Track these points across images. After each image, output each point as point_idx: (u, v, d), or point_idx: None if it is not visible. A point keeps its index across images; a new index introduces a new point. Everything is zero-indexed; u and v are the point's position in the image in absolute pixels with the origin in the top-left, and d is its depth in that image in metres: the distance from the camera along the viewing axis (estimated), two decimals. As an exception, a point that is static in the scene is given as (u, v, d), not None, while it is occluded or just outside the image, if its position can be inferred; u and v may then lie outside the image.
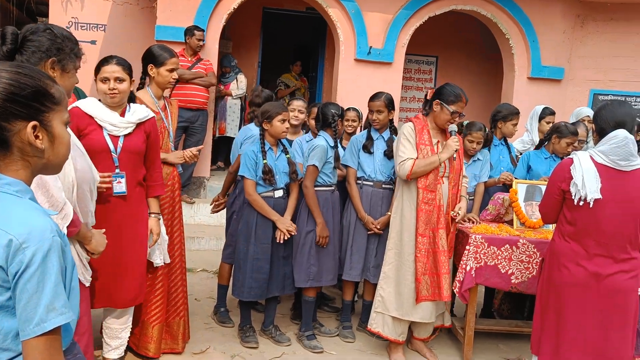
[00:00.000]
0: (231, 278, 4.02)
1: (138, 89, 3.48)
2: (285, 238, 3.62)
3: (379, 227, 3.87)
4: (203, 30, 6.36)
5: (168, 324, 3.47)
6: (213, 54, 6.66)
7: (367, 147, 3.96)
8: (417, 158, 3.51)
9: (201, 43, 6.35)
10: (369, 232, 3.93)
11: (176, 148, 3.72)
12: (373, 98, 4.00)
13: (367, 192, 3.98)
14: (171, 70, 3.37)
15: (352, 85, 7.02)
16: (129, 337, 3.28)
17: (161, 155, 3.37)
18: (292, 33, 10.40)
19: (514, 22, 7.42)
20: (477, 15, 7.46)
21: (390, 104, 4.00)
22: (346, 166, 4.01)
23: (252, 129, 4.11)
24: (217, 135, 7.36)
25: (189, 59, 6.32)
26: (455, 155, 3.54)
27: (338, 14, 6.99)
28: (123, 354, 3.23)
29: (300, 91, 8.72)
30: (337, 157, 3.88)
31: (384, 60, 7.10)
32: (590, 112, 4.98)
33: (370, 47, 7.05)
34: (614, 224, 2.69)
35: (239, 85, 7.35)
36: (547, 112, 4.98)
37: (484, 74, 9.01)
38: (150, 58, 3.36)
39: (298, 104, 4.30)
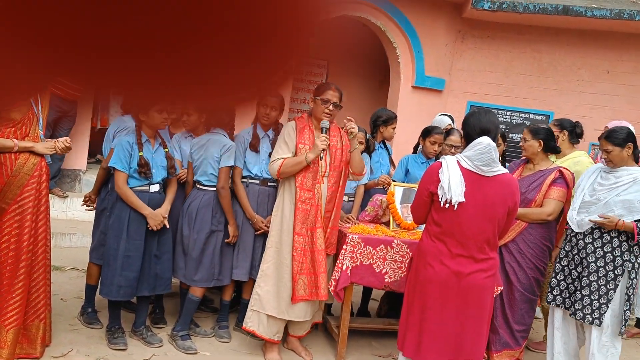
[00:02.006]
0: (100, 275, 3.79)
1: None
2: (157, 229, 3.50)
3: (269, 226, 3.84)
4: None
5: (26, 327, 3.21)
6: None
7: (255, 146, 3.92)
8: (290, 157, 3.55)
9: None
10: (256, 232, 3.89)
11: (45, 137, 3.43)
12: (271, 94, 3.97)
13: (253, 191, 3.94)
14: None
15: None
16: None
17: (29, 144, 3.13)
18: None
19: (401, 32, 7.74)
20: (367, 23, 7.69)
21: (283, 104, 4.01)
22: (233, 167, 3.94)
23: (127, 120, 3.88)
24: (98, 126, 6.95)
25: None
26: (323, 155, 3.51)
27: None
28: None
29: None
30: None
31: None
32: (449, 121, 5.28)
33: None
34: (474, 226, 2.87)
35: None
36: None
37: (372, 80, 9.32)
38: None
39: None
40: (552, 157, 4.28)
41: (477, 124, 2.92)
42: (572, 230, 3.70)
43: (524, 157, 4.14)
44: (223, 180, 3.71)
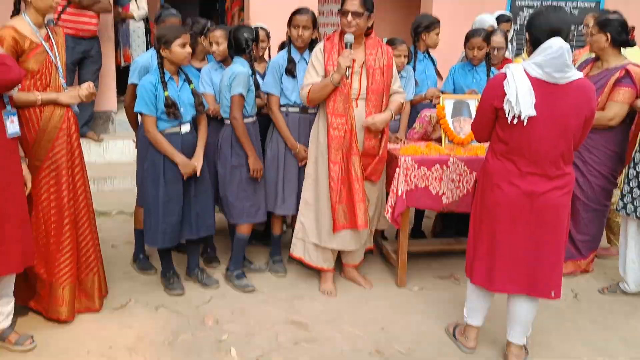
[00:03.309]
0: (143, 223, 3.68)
1: (12, 16, 2.94)
2: (188, 177, 3.34)
3: None
4: None
5: (80, 281, 3.15)
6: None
7: (291, 71, 3.64)
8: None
9: None
10: (300, 163, 3.69)
11: (70, 84, 3.22)
12: (300, 12, 3.63)
13: (293, 120, 3.70)
14: None
15: (265, 1, 6.50)
16: (36, 300, 2.96)
17: (51, 95, 2.93)
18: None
19: None
20: None
21: (315, 21, 3.67)
22: (268, 93, 3.68)
23: (140, 60, 3.66)
24: (122, 64, 6.70)
25: None
26: (349, 73, 3.18)
27: None
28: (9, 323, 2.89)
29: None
30: (257, 85, 3.54)
31: (298, -28, 6.58)
32: (492, 20, 4.83)
33: (282, -43, 6.49)
34: (548, 141, 2.57)
35: (139, 5, 6.61)
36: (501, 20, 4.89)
37: (402, -16, 8.67)
38: None
39: (218, 34, 3.68)
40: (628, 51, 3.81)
41: (545, 24, 2.54)
42: None
43: (596, 56, 3.71)
44: (233, 109, 3.44)
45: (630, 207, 3.51)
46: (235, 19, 7.82)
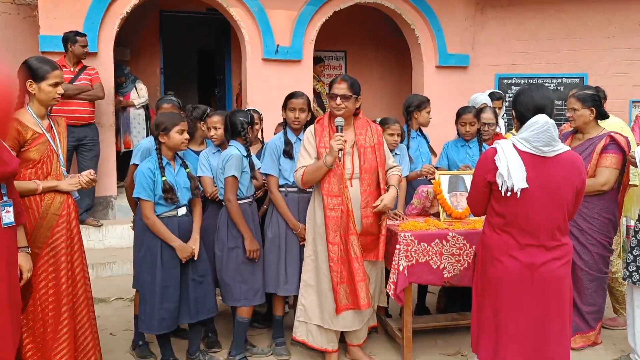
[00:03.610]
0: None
1: (16, 109, 3.04)
2: (185, 261, 3.35)
3: None
4: (85, 35, 5.75)
5: (77, 370, 3.07)
6: (108, 63, 6.16)
7: (289, 153, 3.72)
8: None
9: (86, 50, 5.74)
10: (301, 242, 3.69)
11: (68, 172, 3.29)
12: (295, 95, 3.77)
13: (293, 199, 3.74)
14: (55, 85, 2.97)
15: (262, 85, 6.76)
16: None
17: (52, 183, 2.98)
18: (193, 36, 10.00)
19: (417, 12, 7.44)
20: (381, 8, 7.41)
21: (309, 103, 3.80)
22: (266, 174, 3.75)
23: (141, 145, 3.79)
24: (122, 149, 6.85)
25: (72, 69, 5.70)
26: (341, 155, 3.24)
27: (241, 13, 6.70)
28: None
29: (323, 95, 7.79)
30: (252, 166, 3.61)
31: (293, 58, 6.89)
32: (485, 98, 5.02)
33: (277, 45, 6.82)
34: (542, 212, 2.61)
35: (139, 93, 6.87)
36: (493, 98, 5.11)
37: (393, 66, 9.04)
38: (29, 73, 2.94)
39: (216, 119, 3.81)
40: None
41: (530, 102, 2.65)
42: None
43: (572, 127, 3.85)
44: (227, 191, 3.50)
45: (635, 275, 3.49)
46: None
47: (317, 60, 7.76)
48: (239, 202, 3.54)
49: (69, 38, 5.65)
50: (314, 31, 6.99)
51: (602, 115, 3.75)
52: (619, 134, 3.74)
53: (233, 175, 3.47)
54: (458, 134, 4.42)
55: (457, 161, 4.32)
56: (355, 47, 8.92)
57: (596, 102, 3.73)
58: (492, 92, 5.50)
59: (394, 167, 3.61)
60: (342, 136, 3.27)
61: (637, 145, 4.68)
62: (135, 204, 3.78)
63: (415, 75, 7.79)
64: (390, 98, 8.87)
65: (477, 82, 7.76)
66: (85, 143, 5.76)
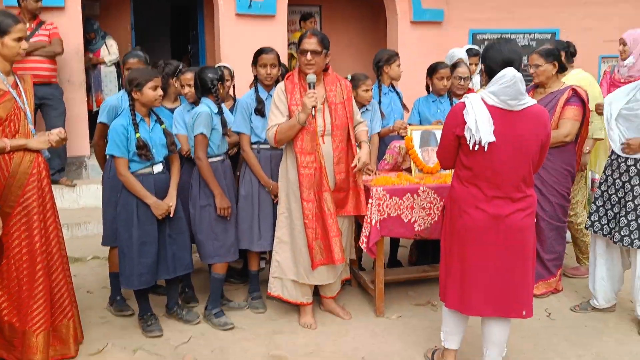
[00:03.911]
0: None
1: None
2: (161, 218, 3.37)
3: None
4: None
5: (55, 327, 3.10)
6: (76, 17, 6.00)
7: (261, 111, 3.71)
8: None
9: (40, 4, 5.48)
10: (274, 199, 3.73)
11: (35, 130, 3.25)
12: (264, 51, 3.73)
13: (265, 157, 3.76)
14: (18, 40, 2.90)
15: (235, 41, 6.66)
16: (8, 349, 2.91)
17: (21, 141, 2.95)
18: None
19: (392, -35, 7.33)
20: (355, -40, 7.29)
21: (279, 58, 3.78)
22: (238, 133, 3.75)
23: (110, 100, 3.79)
24: (94, 108, 6.73)
25: (27, 24, 5.38)
26: (314, 112, 3.25)
27: (212, -34, 6.53)
28: None
29: None
30: (223, 124, 3.60)
31: (267, 13, 6.78)
32: (462, 54, 5.05)
33: (251, 0, 6.69)
34: (508, 165, 2.68)
35: (110, 50, 6.71)
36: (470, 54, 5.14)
37: (368, 22, 8.94)
38: None
39: (189, 76, 3.78)
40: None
41: (498, 55, 2.68)
42: (614, 153, 3.53)
43: (535, 83, 3.91)
44: (197, 149, 3.50)
45: (597, 225, 3.64)
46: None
47: (306, 16, 7.60)
48: (210, 159, 3.55)
49: None
50: (287, -15, 6.86)
51: (562, 68, 3.85)
52: (580, 87, 3.84)
53: (202, 133, 3.47)
54: (428, 89, 4.45)
55: (429, 116, 4.37)
56: (330, 2, 8.79)
57: (557, 57, 3.82)
58: (470, 48, 5.51)
59: (360, 122, 3.65)
60: (314, 93, 3.27)
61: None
62: (104, 162, 3.78)
63: (390, 30, 7.73)
64: (366, 54, 8.80)
65: (452, 37, 7.73)
66: (48, 101, 5.56)
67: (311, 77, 3.31)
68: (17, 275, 2.96)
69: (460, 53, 5.14)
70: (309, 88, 3.30)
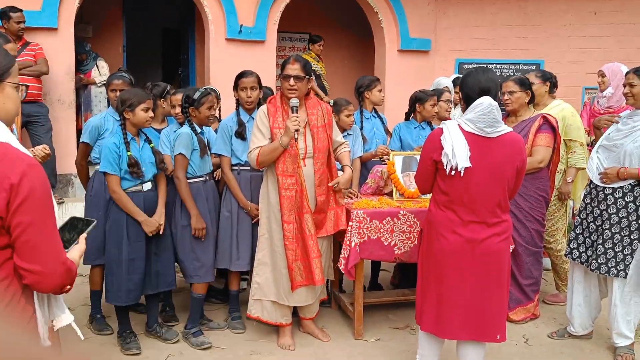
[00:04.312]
0: (104, 282, 3.69)
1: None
2: (152, 235, 3.43)
3: None
4: (21, 11, 5.55)
5: (33, 343, 3.10)
6: (68, 39, 6.09)
7: (242, 134, 3.78)
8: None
9: (22, 26, 5.54)
10: (253, 220, 3.78)
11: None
12: (245, 74, 3.82)
13: (245, 178, 3.82)
14: None
15: (225, 65, 6.76)
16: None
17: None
18: (158, 15, 9.88)
19: (381, -5, 7.52)
20: (345, -10, 7.47)
21: (260, 81, 3.86)
22: (219, 155, 3.81)
23: (93, 120, 3.86)
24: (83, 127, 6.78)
25: None
26: (297, 136, 3.33)
27: (204, -8, 6.67)
28: None
29: (324, 77, 7.62)
30: (202, 145, 3.63)
31: (256, 39, 6.91)
32: (448, 82, 5.19)
33: (241, 25, 6.82)
34: (484, 191, 2.75)
35: (100, 71, 6.81)
36: (456, 83, 5.28)
37: (357, 49, 9.12)
38: None
39: (179, 97, 3.88)
40: (530, 109, 4.28)
41: (475, 84, 2.78)
42: (592, 183, 3.62)
43: (507, 111, 4.03)
44: (176, 169, 3.57)
45: (575, 252, 3.71)
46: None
47: (315, 39, 7.57)
48: (191, 180, 3.61)
49: (3, 14, 5.49)
50: (277, 12, 7.01)
51: (533, 98, 4.00)
52: (550, 115, 3.98)
53: (180, 153, 3.54)
54: (408, 116, 4.53)
55: (411, 142, 4.45)
56: (320, 30, 8.96)
57: (530, 86, 3.97)
58: (457, 77, 5.64)
59: (341, 143, 3.73)
60: (298, 117, 3.35)
61: (585, 129, 4.91)
62: (86, 179, 3.83)
63: (378, 58, 7.90)
64: (354, 80, 8.94)
65: (438, 66, 7.92)
66: (34, 119, 5.60)
67: (294, 102, 3.38)
68: (-3, 290, 2.97)
69: (446, 81, 5.27)
70: (292, 112, 3.37)
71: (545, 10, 7.87)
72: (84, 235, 1.82)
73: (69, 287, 1.66)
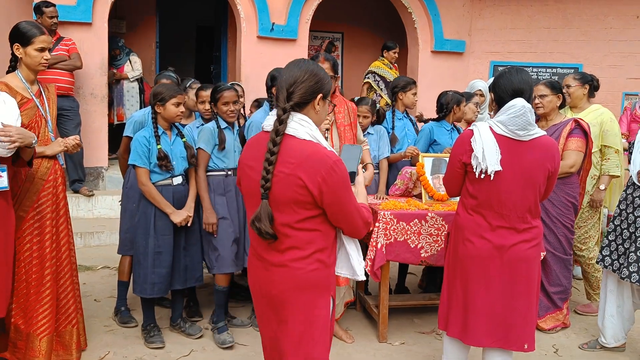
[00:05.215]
0: (132, 273, 3.72)
1: (7, 72, 3.09)
2: (182, 225, 3.45)
3: None
4: (54, 5, 5.62)
5: (59, 333, 3.14)
6: (102, 34, 6.18)
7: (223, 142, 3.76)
8: None
9: (55, 20, 5.61)
10: None
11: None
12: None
13: None
14: (41, 50, 3.00)
15: (256, 63, 6.78)
16: (12, 351, 2.95)
17: (39, 149, 3.02)
18: (192, 12, 9.98)
19: (415, -5, 7.44)
20: (379, -11, 7.41)
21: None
22: (200, 148, 3.80)
23: (135, 115, 3.87)
24: (115, 122, 6.89)
25: None
26: (327, 134, 3.32)
27: (238, -11, 6.69)
28: None
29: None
30: (221, 140, 3.60)
31: (288, 37, 6.91)
32: (483, 85, 5.09)
33: (273, 23, 6.83)
34: (514, 195, 2.67)
35: (133, 66, 6.90)
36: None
37: (390, 49, 9.03)
38: (16, 36, 2.98)
39: (206, 94, 3.90)
40: (567, 112, 4.25)
41: (508, 85, 2.69)
42: (630, 187, 3.50)
43: (538, 114, 3.92)
44: (197, 163, 3.57)
45: (607, 259, 3.58)
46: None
47: (389, 46, 7.14)
48: (212, 173, 3.61)
49: (37, 9, 5.57)
50: (310, 10, 7.00)
51: (563, 101, 3.93)
52: (582, 119, 3.88)
53: (200, 148, 3.55)
54: (443, 116, 4.44)
55: (446, 145, 4.37)
56: (353, 29, 8.93)
57: (561, 90, 3.88)
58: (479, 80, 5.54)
59: (363, 141, 3.73)
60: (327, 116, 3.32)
61: (622, 134, 4.76)
62: (126, 173, 3.86)
63: (411, 59, 7.81)
64: (386, 81, 8.89)
65: (472, 69, 7.80)
66: (64, 112, 5.65)
67: None
68: (26, 279, 3.02)
69: (481, 85, 5.17)
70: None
71: (585, 12, 7.67)
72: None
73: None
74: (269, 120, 2.07)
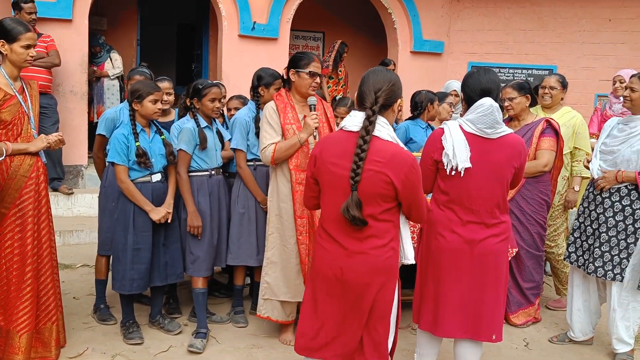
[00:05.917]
0: (110, 271, 3.75)
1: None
2: (161, 222, 3.47)
3: None
4: (33, 1, 5.56)
5: (38, 330, 3.16)
6: (82, 31, 6.17)
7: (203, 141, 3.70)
8: (281, 140, 3.42)
9: (34, 16, 5.56)
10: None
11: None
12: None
13: (261, 173, 3.83)
14: (27, 47, 3.02)
15: (237, 61, 6.83)
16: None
17: (21, 146, 3.04)
18: (174, 10, 9.98)
19: (394, -4, 7.54)
20: (359, -10, 7.50)
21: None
22: (235, 150, 3.84)
23: (110, 112, 3.92)
24: (95, 120, 6.87)
25: None
26: (316, 133, 3.37)
27: (219, -12, 6.73)
28: None
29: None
30: (202, 139, 3.61)
31: (269, 36, 6.96)
32: (458, 86, 5.21)
33: (254, 22, 6.88)
34: (483, 191, 2.77)
35: (114, 64, 6.89)
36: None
37: (370, 49, 9.14)
38: (2, 33, 2.99)
39: (165, 85, 3.99)
40: (539, 111, 4.35)
41: (477, 85, 2.79)
42: (590, 186, 3.62)
43: (509, 116, 4.03)
44: (178, 163, 3.59)
45: (573, 255, 3.71)
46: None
47: (386, 63, 6.97)
48: (195, 174, 3.63)
49: (16, 5, 5.51)
50: (291, 10, 7.06)
51: (534, 101, 4.03)
52: (553, 119, 4.00)
53: (181, 149, 3.56)
54: (418, 114, 4.55)
55: (422, 143, 4.46)
56: (333, 29, 9.00)
57: (529, 90, 3.97)
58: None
59: None
60: (317, 114, 3.39)
61: (592, 136, 4.90)
62: (102, 171, 3.88)
63: (390, 58, 7.91)
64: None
65: (450, 69, 7.92)
66: (41, 110, 5.58)
67: (313, 100, 3.43)
68: (6, 275, 3.03)
69: (456, 85, 5.29)
70: (311, 110, 3.41)
71: (560, 15, 7.84)
72: None
73: None
74: (349, 121, 2.37)
